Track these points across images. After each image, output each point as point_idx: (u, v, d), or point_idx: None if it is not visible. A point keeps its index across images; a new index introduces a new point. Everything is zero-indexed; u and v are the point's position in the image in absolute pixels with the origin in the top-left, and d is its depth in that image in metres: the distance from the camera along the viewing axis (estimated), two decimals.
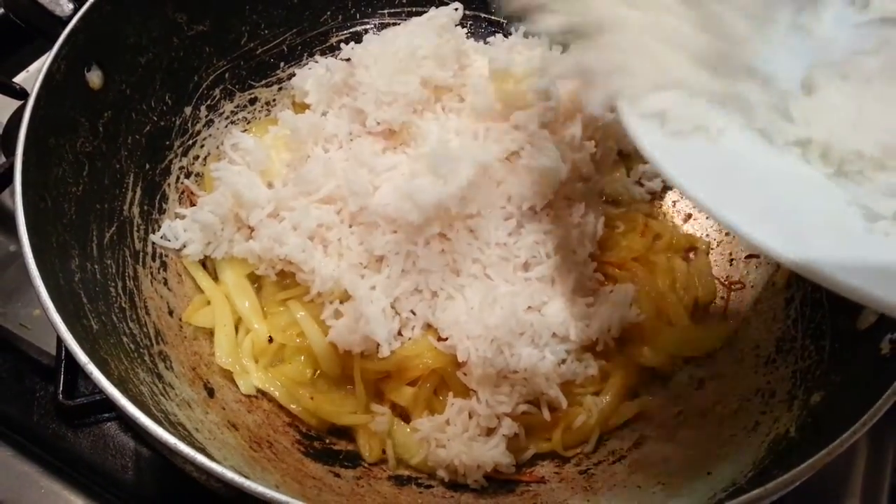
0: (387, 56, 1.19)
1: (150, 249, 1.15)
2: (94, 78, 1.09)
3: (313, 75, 1.31)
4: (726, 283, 1.21)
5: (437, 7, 1.33)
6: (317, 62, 1.36)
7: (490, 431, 1.05)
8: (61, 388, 1.13)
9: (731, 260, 1.25)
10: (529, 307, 1.07)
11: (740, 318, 1.15)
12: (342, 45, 1.39)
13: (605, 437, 1.09)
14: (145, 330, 1.04)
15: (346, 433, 1.10)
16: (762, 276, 1.17)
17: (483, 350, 1.02)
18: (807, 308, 1.07)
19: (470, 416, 1.04)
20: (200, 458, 0.74)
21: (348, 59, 1.29)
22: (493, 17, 1.49)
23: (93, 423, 1.15)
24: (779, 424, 0.94)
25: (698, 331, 1.16)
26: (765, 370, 1.06)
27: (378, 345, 1.04)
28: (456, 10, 1.30)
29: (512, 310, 1.04)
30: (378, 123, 1.18)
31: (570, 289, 1.10)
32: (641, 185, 1.31)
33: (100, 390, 0.79)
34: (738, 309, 1.17)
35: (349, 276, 1.08)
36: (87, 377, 0.81)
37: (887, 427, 1.18)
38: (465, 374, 1.06)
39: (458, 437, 1.03)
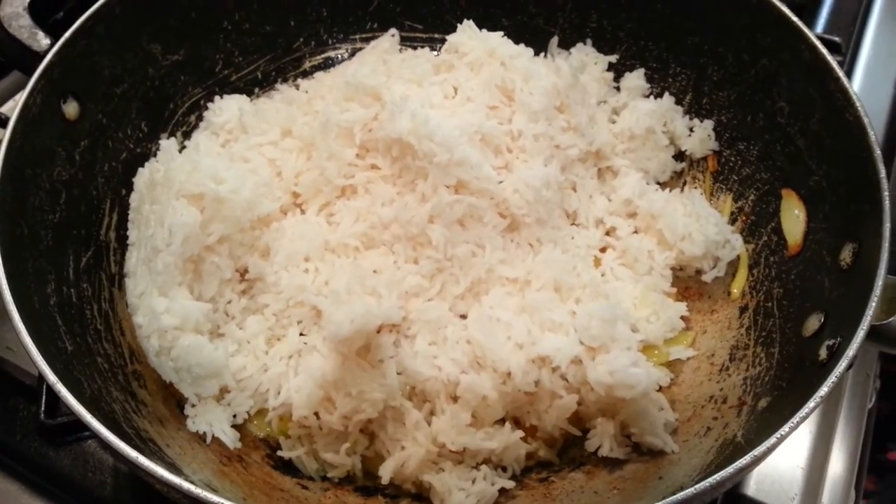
0: (338, 86, 1.22)
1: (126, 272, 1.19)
2: (71, 109, 1.13)
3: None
4: (684, 293, 1.24)
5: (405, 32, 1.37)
6: (278, 90, 1.40)
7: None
8: (43, 408, 1.17)
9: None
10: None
11: (698, 328, 1.19)
12: (315, 70, 1.44)
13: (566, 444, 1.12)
14: (120, 350, 1.08)
15: None
16: (719, 286, 1.20)
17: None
18: (759, 316, 1.11)
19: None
20: (161, 471, 0.77)
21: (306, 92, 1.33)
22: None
23: (73, 441, 1.17)
24: (728, 430, 0.98)
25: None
26: (718, 377, 1.09)
27: None
28: (393, 35, 1.32)
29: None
30: None
31: None
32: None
33: None
34: (696, 318, 1.20)
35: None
36: None
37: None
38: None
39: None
